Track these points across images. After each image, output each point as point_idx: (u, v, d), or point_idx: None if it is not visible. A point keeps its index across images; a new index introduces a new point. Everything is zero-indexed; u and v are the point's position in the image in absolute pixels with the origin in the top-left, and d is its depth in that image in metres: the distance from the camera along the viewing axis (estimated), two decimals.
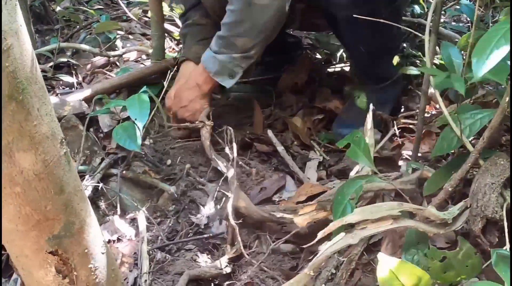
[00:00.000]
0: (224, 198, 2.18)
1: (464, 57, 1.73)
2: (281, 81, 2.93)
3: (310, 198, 2.05)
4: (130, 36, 3.57)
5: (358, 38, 2.38)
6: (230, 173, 2.15)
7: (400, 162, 2.26)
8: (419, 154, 2.10)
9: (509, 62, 1.39)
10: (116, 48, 3.33)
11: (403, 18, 2.97)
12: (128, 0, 3.95)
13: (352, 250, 1.76)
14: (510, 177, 1.43)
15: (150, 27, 3.13)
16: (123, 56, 3.21)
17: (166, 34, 3.00)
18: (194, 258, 1.97)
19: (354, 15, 1.89)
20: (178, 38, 3.30)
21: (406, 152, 2.31)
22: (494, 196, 1.40)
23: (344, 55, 3.14)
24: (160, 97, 2.46)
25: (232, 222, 1.94)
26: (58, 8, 3.94)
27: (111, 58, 3.15)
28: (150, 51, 3.02)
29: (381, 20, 1.84)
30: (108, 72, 2.99)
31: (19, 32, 0.97)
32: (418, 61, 2.92)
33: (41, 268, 1.23)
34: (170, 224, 2.11)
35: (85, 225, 1.25)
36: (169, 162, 2.35)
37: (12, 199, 1.07)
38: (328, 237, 1.43)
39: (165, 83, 2.54)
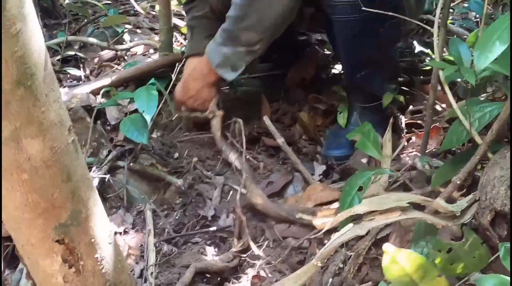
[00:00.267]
0: (231, 192, 2.17)
1: (473, 54, 1.72)
2: (289, 77, 2.91)
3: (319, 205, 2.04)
4: (138, 30, 3.57)
5: (352, 51, 2.30)
6: (244, 167, 2.15)
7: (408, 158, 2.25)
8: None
9: None
10: (124, 42, 3.32)
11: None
12: None
13: (359, 245, 1.75)
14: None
15: (158, 22, 3.13)
16: (131, 50, 3.21)
17: (174, 29, 2.99)
18: (201, 251, 1.97)
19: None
20: (186, 32, 3.30)
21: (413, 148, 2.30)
22: (503, 189, 1.39)
23: None
24: (168, 90, 2.46)
25: (240, 214, 1.93)
26: (66, 1, 3.94)
27: (118, 52, 3.16)
28: (158, 45, 3.02)
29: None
30: (115, 66, 2.99)
31: (29, 17, 0.96)
32: (427, 59, 2.92)
33: (47, 257, 1.23)
34: (177, 217, 2.10)
35: (92, 214, 1.25)
36: (176, 155, 2.35)
37: (19, 186, 1.07)
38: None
39: (173, 76, 2.54)
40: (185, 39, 3.31)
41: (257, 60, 2.55)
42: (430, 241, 1.44)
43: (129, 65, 2.78)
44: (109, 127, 2.40)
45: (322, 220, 1.82)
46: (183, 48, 2.90)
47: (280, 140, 2.27)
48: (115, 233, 1.99)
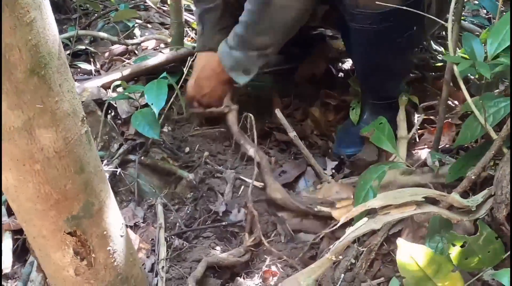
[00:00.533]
0: (243, 186, 2.16)
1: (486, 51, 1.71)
2: (299, 71, 2.90)
3: None
4: (149, 25, 3.56)
5: (368, 57, 2.27)
6: (263, 161, 2.14)
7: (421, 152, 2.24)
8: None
9: None
10: (134, 37, 3.31)
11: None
12: None
13: (372, 240, 1.74)
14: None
15: (169, 16, 3.12)
16: (142, 44, 3.20)
17: (185, 23, 2.98)
18: (212, 246, 1.96)
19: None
20: (196, 28, 3.29)
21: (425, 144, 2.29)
22: None
23: None
24: (179, 84, 2.45)
25: (252, 209, 1.92)
26: None
27: (129, 47, 3.14)
28: (169, 39, 3.01)
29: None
30: (126, 60, 2.98)
31: (43, 6, 0.95)
32: (439, 56, 2.90)
33: (58, 250, 1.22)
34: (188, 211, 2.09)
35: (104, 206, 1.24)
36: (187, 149, 2.35)
37: (32, 177, 1.06)
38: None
39: (185, 70, 2.53)
40: (196, 34, 3.30)
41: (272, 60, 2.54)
42: (445, 235, 1.43)
43: (139, 60, 2.76)
44: (119, 121, 2.39)
45: (341, 212, 1.82)
46: (194, 44, 2.89)
47: (292, 134, 2.24)
48: (126, 227, 1.99)
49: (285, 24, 2.20)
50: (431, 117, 2.41)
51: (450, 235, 1.39)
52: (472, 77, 2.38)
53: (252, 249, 1.92)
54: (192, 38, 3.28)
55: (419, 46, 2.78)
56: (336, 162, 2.33)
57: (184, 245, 1.94)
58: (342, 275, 1.70)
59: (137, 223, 2.02)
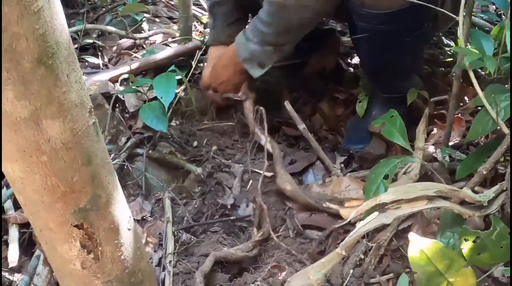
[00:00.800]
0: (251, 181, 2.15)
1: (496, 47, 1.70)
2: (309, 66, 2.88)
3: None
4: (157, 19, 3.55)
5: (376, 56, 2.27)
6: (275, 150, 2.14)
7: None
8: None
9: None
10: (142, 31, 3.30)
11: None
12: None
13: (381, 236, 1.73)
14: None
15: (177, 11, 3.11)
16: (150, 38, 3.19)
17: (193, 17, 2.97)
18: (220, 240, 1.96)
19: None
20: (205, 22, 3.28)
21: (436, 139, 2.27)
22: None
23: None
24: (188, 78, 2.44)
25: (261, 203, 1.91)
26: None
27: (137, 41, 3.13)
28: (177, 34, 3.00)
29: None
30: (134, 54, 2.97)
31: None
32: (450, 51, 2.89)
33: (65, 242, 1.21)
34: (196, 206, 2.09)
35: (112, 199, 1.23)
36: (195, 143, 2.35)
37: (38, 168, 1.05)
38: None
39: (193, 64, 2.52)
40: (204, 28, 3.29)
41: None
42: (457, 230, 1.41)
43: (147, 53, 2.76)
44: (127, 115, 2.38)
45: (349, 211, 1.80)
46: (202, 38, 2.88)
47: (302, 126, 2.24)
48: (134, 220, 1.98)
49: (301, 25, 2.21)
50: (442, 111, 2.40)
51: (463, 230, 1.37)
52: (482, 73, 2.36)
53: (260, 244, 1.91)
54: (200, 32, 3.27)
55: (429, 43, 2.76)
56: (345, 157, 2.32)
57: (192, 239, 1.94)
58: (351, 270, 1.69)
59: (144, 217, 2.02)
